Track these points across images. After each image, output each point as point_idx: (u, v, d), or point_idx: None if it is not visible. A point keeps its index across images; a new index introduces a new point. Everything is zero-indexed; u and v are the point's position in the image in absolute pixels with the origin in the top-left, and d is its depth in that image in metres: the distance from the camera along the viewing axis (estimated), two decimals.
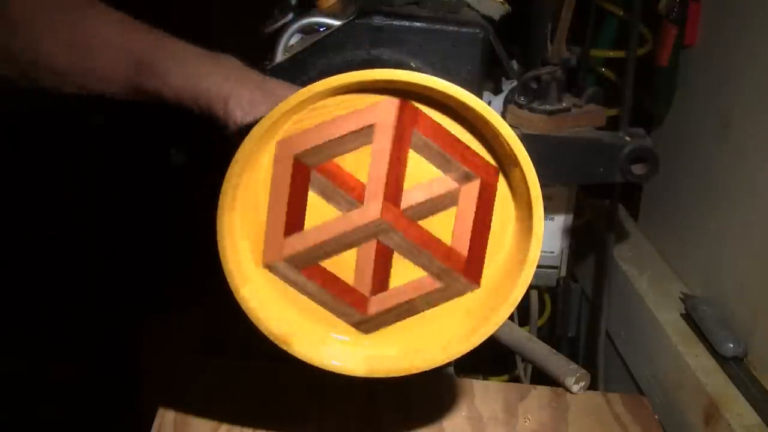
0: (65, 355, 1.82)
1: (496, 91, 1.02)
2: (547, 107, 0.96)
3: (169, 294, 1.81)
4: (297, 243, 0.68)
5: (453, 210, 0.68)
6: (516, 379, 1.24)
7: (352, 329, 0.71)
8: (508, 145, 0.65)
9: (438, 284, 0.70)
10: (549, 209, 1.07)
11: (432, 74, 0.65)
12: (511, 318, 1.04)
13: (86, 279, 1.92)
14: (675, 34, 1.15)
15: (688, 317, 1.08)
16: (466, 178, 0.68)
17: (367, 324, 0.71)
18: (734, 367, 0.97)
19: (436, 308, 0.71)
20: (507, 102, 0.98)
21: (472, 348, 0.70)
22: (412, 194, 0.68)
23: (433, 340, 0.71)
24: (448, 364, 0.77)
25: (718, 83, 1.10)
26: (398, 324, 0.71)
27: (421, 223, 0.69)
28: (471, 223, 0.69)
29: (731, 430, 0.88)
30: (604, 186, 1.11)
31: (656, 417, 0.96)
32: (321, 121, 0.65)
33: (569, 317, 1.30)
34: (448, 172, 0.67)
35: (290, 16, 0.93)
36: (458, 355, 0.71)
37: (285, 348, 0.70)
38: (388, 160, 0.67)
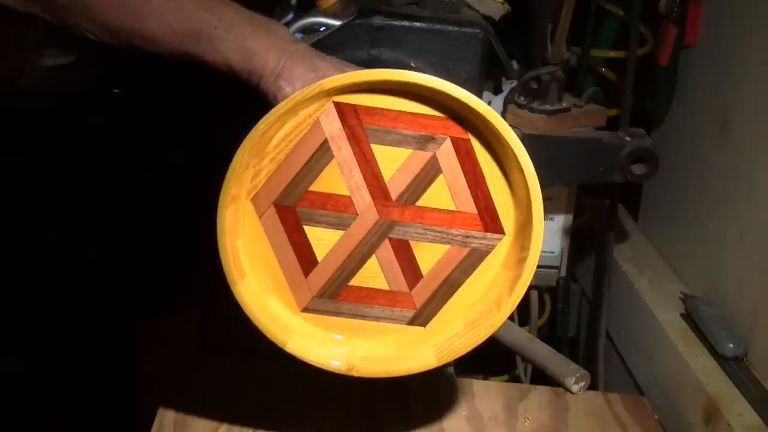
0: (65, 356, 1.82)
1: (496, 91, 1.02)
2: (547, 107, 0.96)
3: (169, 294, 1.81)
4: (319, 277, 0.70)
5: (441, 177, 0.69)
6: (516, 379, 1.24)
7: (413, 328, 0.72)
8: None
9: (465, 250, 0.70)
10: (549, 209, 1.07)
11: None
12: (511, 318, 1.04)
13: (86, 279, 1.91)
14: (675, 34, 1.15)
15: (688, 317, 1.08)
16: (435, 143, 0.68)
17: (420, 317, 0.72)
18: (734, 367, 0.97)
19: (475, 273, 0.71)
20: (507, 102, 0.99)
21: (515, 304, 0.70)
22: (396, 182, 0.68)
23: (485, 302, 0.71)
24: (448, 365, 0.77)
25: (718, 83, 1.10)
26: (450, 302, 0.72)
27: (419, 203, 0.69)
28: (464, 180, 0.69)
29: (731, 430, 0.88)
30: (604, 186, 1.11)
31: (656, 417, 0.96)
32: (279, 162, 0.67)
33: (569, 317, 1.30)
34: (416, 145, 0.68)
35: (290, 16, 0.93)
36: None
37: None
38: (357, 164, 0.68)
